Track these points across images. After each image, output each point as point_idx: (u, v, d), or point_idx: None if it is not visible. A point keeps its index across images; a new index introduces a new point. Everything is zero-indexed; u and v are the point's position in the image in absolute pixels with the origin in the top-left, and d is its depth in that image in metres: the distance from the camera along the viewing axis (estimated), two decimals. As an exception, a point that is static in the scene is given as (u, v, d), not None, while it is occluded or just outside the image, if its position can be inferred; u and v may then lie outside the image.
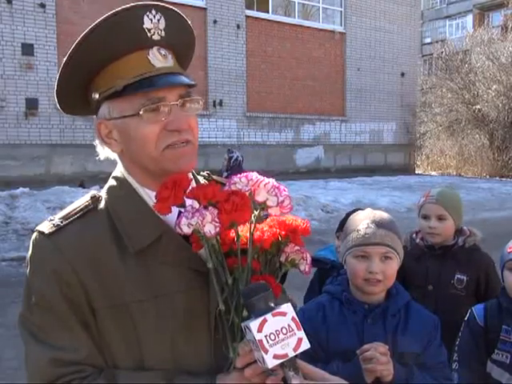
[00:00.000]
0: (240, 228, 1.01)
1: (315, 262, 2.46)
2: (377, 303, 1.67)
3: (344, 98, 18.27)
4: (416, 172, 20.76)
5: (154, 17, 1.05)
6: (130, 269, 1.05)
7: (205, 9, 14.97)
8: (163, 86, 1.04)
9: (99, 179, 13.88)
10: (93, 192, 1.15)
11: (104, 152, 1.16)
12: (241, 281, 0.99)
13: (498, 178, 19.56)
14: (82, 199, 1.14)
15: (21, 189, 10.28)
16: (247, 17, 15.91)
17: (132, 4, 1.03)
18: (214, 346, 1.07)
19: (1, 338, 4.40)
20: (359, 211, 1.78)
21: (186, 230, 0.97)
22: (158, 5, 1.06)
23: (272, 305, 0.92)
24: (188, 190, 1.02)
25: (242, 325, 0.93)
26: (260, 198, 1.01)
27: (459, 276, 2.43)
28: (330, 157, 17.90)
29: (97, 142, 1.15)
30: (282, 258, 1.05)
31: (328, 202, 11.14)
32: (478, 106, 20.27)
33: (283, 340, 0.89)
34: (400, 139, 19.84)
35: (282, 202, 1.02)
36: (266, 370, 0.92)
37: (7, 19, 12.06)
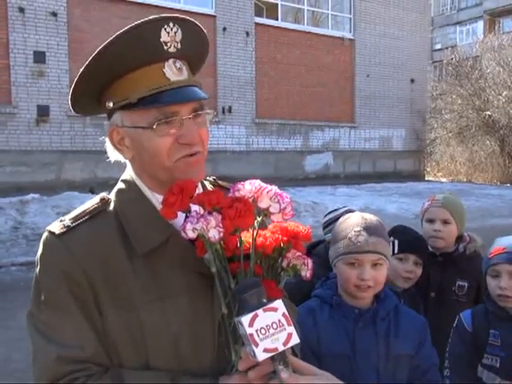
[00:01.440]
0: (243, 234, 1.04)
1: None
2: (366, 307, 1.69)
3: (353, 104, 18.27)
4: (426, 178, 20.66)
5: (172, 29, 1.07)
6: (137, 270, 1.07)
7: (214, 16, 15.08)
8: (177, 101, 1.06)
9: (109, 185, 13.89)
10: (102, 194, 1.18)
11: (114, 155, 1.19)
12: None
13: (508, 185, 19.42)
14: (91, 201, 1.17)
15: (31, 194, 10.38)
16: (256, 24, 15.99)
17: (151, 17, 1.05)
18: (217, 348, 1.09)
19: (10, 340, 4.46)
20: (349, 215, 1.78)
21: (191, 235, 1.00)
22: (175, 17, 1.08)
23: (264, 301, 0.95)
24: (194, 196, 1.05)
25: (235, 320, 0.96)
26: (263, 204, 1.04)
27: (460, 283, 2.43)
28: (339, 163, 17.89)
29: (107, 146, 1.18)
30: (284, 264, 1.08)
31: (332, 207, 11.09)
32: (489, 112, 20.17)
33: (273, 334, 0.92)
34: (410, 146, 19.77)
35: (284, 208, 1.05)
36: (267, 372, 0.96)
37: (19, 27, 12.23)
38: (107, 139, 1.17)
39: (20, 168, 12.22)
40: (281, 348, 0.93)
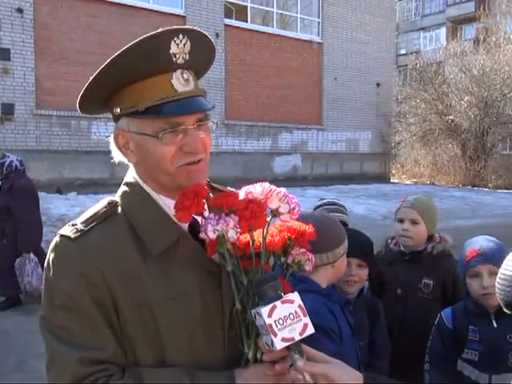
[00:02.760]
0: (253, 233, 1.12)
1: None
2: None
3: (321, 107, 18.50)
4: (391, 180, 21.10)
5: (181, 41, 1.09)
6: (151, 271, 1.11)
7: (184, 17, 15.03)
8: (183, 113, 1.10)
9: (76, 186, 13.75)
10: (109, 198, 1.21)
11: (118, 156, 1.22)
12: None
13: (470, 187, 20.01)
14: (99, 205, 1.20)
15: (-4, 195, 10.11)
16: (226, 25, 16.03)
17: (163, 29, 1.08)
18: (227, 342, 1.15)
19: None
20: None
21: (212, 236, 1.07)
22: (186, 29, 1.11)
23: (281, 293, 1.02)
24: (210, 199, 1.13)
25: (252, 311, 1.03)
26: (273, 205, 1.12)
27: (426, 281, 2.52)
28: (307, 165, 18.09)
29: (112, 147, 1.21)
30: (289, 260, 1.16)
31: (306, 209, 11.23)
32: (451, 117, 20.75)
33: (290, 325, 1.00)
34: (375, 148, 20.15)
35: (293, 209, 1.13)
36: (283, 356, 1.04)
37: (-17, 23, 11.93)
38: (112, 141, 1.20)
39: (-17, 167, 11.90)
40: (297, 337, 1.00)
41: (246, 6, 16.94)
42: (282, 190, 1.13)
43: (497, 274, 2.02)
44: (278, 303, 1.00)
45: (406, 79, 28.25)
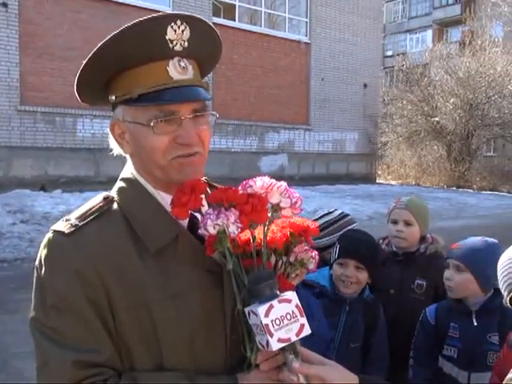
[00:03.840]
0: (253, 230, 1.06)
1: (302, 285, 2.36)
2: None
3: (308, 107, 18.53)
4: (377, 181, 21.22)
5: (179, 27, 1.04)
6: (149, 268, 1.05)
7: (171, 14, 14.95)
8: (176, 100, 1.05)
9: (60, 183, 13.61)
10: (105, 193, 1.15)
11: (117, 149, 1.17)
12: None
13: (455, 188, 20.21)
14: (94, 200, 1.14)
15: (-21, 192, 9.98)
16: (214, 24, 15.85)
17: (159, 14, 1.04)
18: (229, 345, 1.09)
19: None
20: None
21: (212, 231, 1.01)
22: (184, 15, 1.06)
23: (277, 292, 0.98)
24: (205, 195, 1.07)
25: (246, 310, 0.98)
26: (274, 200, 1.06)
27: (419, 281, 2.52)
28: (293, 165, 18.10)
29: (110, 139, 1.16)
30: (292, 259, 1.10)
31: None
32: (437, 119, 20.94)
33: (287, 325, 0.95)
34: (362, 149, 20.24)
35: (295, 203, 1.07)
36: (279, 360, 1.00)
37: (-33, 17, 11.74)
38: (110, 132, 1.15)
39: (-34, 164, 11.73)
40: (294, 338, 0.96)
41: (234, 5, 16.89)
42: (283, 183, 1.08)
43: (462, 271, 2.10)
44: (274, 302, 0.95)
45: (392, 80, 28.47)
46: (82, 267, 1.02)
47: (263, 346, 0.96)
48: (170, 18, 1.04)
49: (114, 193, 1.15)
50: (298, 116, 18.26)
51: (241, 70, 16.65)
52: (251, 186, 1.06)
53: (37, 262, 1.07)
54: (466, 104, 20.67)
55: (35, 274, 1.07)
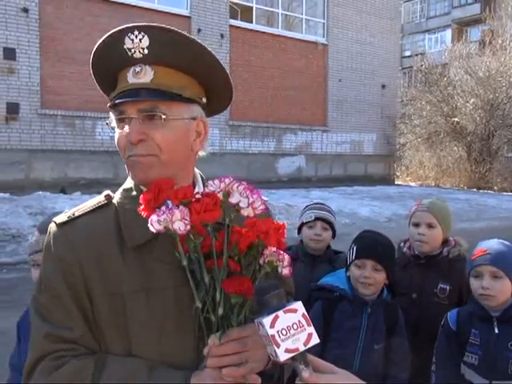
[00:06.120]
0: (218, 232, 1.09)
1: (319, 290, 2.36)
2: None
3: (325, 108, 18.46)
4: (395, 183, 21.05)
5: (136, 37, 1.13)
6: (127, 262, 1.13)
7: (189, 17, 15.03)
8: (121, 101, 1.13)
9: (80, 185, 13.77)
10: (108, 191, 1.25)
11: None
12: (217, 280, 1.05)
13: (475, 190, 19.94)
14: (97, 197, 1.25)
15: (1, 194, 10.14)
16: (231, 26, 16.02)
17: (120, 27, 1.14)
18: (197, 341, 1.12)
19: None
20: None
21: (157, 227, 1.04)
22: (142, 25, 1.14)
23: (284, 302, 0.98)
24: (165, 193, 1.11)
25: (256, 321, 0.99)
26: (233, 199, 1.08)
27: (442, 285, 2.47)
28: (311, 166, 18.05)
29: None
30: (261, 261, 1.10)
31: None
32: (456, 119, 20.69)
33: (294, 335, 0.95)
34: (380, 150, 20.10)
35: (253, 202, 1.08)
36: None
37: (-11, 23, 11.96)
38: None
39: (-12, 167, 11.93)
40: (302, 348, 0.95)
41: (252, 7, 16.93)
42: (243, 183, 1.10)
43: (500, 277, 2.03)
44: (280, 313, 0.96)
45: (410, 81, 28.22)
46: (64, 255, 1.13)
47: (273, 357, 0.97)
48: (127, 30, 1.14)
49: (118, 191, 1.25)
50: (316, 117, 18.21)
51: (258, 72, 16.67)
52: (209, 186, 1.10)
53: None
54: (486, 104, 20.40)
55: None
